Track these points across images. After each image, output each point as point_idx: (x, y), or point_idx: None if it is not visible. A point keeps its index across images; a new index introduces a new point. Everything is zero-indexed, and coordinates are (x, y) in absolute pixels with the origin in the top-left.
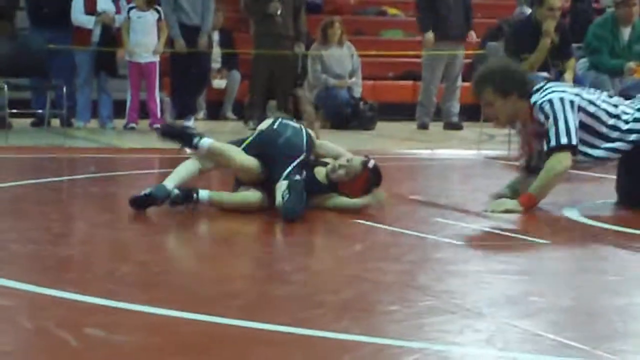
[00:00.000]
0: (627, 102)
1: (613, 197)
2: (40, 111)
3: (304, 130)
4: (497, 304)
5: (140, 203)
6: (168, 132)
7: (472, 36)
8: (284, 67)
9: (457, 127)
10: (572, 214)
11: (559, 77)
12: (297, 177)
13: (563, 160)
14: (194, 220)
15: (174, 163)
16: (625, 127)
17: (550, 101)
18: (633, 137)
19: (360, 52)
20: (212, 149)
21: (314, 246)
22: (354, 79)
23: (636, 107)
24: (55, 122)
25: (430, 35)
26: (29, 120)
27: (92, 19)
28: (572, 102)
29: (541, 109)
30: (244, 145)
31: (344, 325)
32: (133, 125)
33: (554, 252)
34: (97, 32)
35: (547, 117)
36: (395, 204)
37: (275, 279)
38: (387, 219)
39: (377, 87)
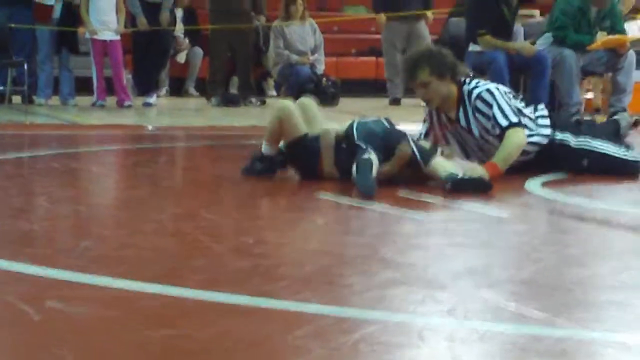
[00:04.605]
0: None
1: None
2: (1, 88)
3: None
4: (459, 276)
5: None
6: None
7: (429, 16)
8: (242, 43)
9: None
10: (534, 187)
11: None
12: (366, 155)
13: (520, 134)
14: (156, 196)
15: (135, 139)
16: (531, 125)
17: (488, 90)
18: (545, 131)
19: (322, 28)
20: None
21: (277, 219)
22: (316, 55)
23: (530, 112)
24: (17, 98)
25: (382, 17)
26: None
27: None
28: (504, 93)
29: (481, 97)
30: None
31: (305, 297)
32: (102, 102)
33: (516, 225)
34: (58, 9)
35: (490, 105)
36: None
37: (237, 252)
38: (350, 193)
39: (340, 63)
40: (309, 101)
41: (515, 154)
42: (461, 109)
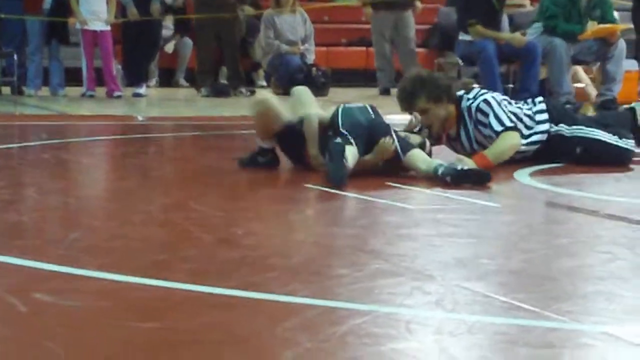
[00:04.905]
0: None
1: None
2: None
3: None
4: (447, 267)
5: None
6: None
7: (417, 5)
8: (228, 33)
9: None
10: (523, 177)
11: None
12: (338, 139)
13: (514, 136)
14: (145, 187)
15: (124, 129)
16: (530, 123)
17: (485, 100)
18: (544, 127)
19: (312, 18)
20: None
21: (266, 210)
22: (306, 46)
23: (528, 108)
24: (6, 89)
25: (368, 8)
26: None
27: None
28: (501, 100)
29: (479, 109)
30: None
31: (293, 289)
32: (92, 93)
33: (505, 215)
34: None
35: (487, 115)
36: None
37: (226, 243)
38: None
39: (330, 53)
40: (302, 89)
41: (507, 153)
42: (462, 127)
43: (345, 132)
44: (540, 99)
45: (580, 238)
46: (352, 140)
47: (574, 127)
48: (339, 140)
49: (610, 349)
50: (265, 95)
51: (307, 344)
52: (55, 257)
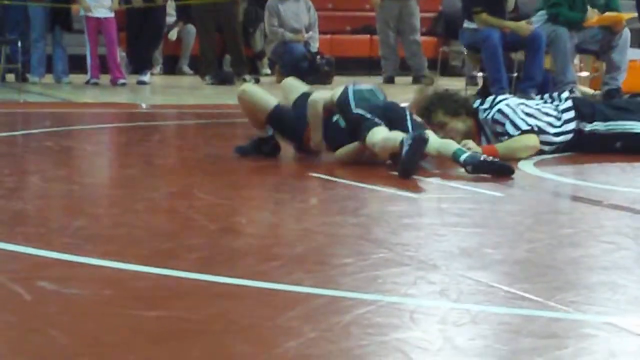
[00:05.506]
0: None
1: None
2: None
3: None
4: (451, 256)
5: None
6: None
7: None
8: (228, 20)
9: (428, 80)
10: (528, 167)
11: None
12: (425, 135)
13: (531, 138)
14: (149, 175)
15: (128, 117)
16: (556, 122)
17: (499, 110)
18: (571, 126)
19: (316, 5)
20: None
21: (270, 199)
22: (310, 33)
23: (553, 107)
24: (11, 77)
25: None
26: None
27: None
28: (516, 105)
29: (495, 121)
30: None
31: (298, 278)
32: (96, 81)
33: (509, 204)
34: None
35: (503, 124)
36: None
37: (230, 231)
38: (343, 173)
39: (334, 41)
40: (290, 79)
41: (520, 152)
42: (483, 138)
43: (365, 114)
44: (567, 95)
45: (584, 228)
46: (378, 121)
47: (610, 122)
48: (426, 136)
49: (613, 339)
50: (245, 86)
51: (311, 334)
52: (59, 245)
